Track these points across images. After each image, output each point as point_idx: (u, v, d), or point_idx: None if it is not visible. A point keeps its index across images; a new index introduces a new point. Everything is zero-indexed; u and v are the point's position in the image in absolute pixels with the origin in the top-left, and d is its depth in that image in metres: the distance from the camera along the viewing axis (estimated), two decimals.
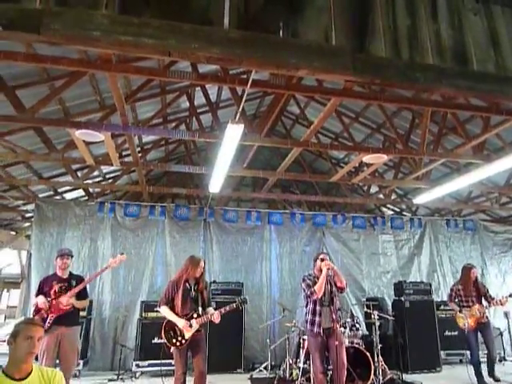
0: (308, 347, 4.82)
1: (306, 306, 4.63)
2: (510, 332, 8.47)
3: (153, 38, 1.81)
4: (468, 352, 6.22)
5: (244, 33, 1.94)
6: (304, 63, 1.98)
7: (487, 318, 5.84)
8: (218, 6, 2.01)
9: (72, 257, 4.83)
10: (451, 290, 6.22)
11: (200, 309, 4.28)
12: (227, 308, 4.43)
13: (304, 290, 4.57)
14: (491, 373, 5.83)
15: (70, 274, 4.73)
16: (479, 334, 5.79)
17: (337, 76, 2.14)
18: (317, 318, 4.41)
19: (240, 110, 4.17)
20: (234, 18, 2.00)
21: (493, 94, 2.44)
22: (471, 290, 5.93)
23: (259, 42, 1.95)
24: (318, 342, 4.38)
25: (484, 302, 5.87)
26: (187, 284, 4.30)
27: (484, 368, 5.81)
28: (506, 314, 8.53)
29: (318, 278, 4.48)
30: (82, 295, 4.65)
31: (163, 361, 6.21)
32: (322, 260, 4.50)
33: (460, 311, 5.87)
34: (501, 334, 8.00)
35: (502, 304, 5.80)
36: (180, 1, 1.96)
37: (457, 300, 6.02)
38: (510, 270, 7.18)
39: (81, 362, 6.42)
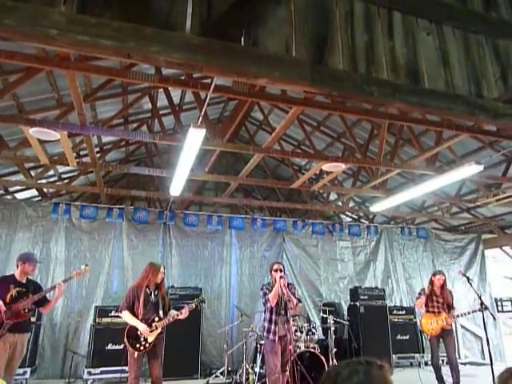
0: (264, 350, 4.93)
1: (265, 313, 4.76)
2: (456, 335, 8.89)
3: (112, 39, 1.77)
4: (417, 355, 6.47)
5: (205, 39, 1.95)
6: (264, 72, 2.01)
7: (451, 325, 5.73)
8: (181, 10, 2.00)
9: (38, 263, 4.76)
10: (419, 293, 6.04)
11: (161, 312, 4.41)
12: (187, 308, 4.56)
13: (262, 298, 4.74)
14: None
15: (27, 278, 4.52)
16: (441, 339, 5.71)
17: (296, 86, 2.19)
18: (272, 326, 4.56)
19: (202, 114, 4.18)
20: (195, 24, 2.00)
21: (442, 110, 2.57)
22: (437, 296, 5.84)
23: (220, 49, 1.96)
24: (273, 346, 4.49)
25: (453, 311, 5.75)
26: (148, 290, 4.40)
27: (446, 373, 5.67)
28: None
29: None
30: (43, 302, 4.50)
31: (116, 367, 6.09)
32: (276, 270, 4.69)
33: (427, 316, 5.79)
34: None
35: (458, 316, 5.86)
36: (142, 3, 1.94)
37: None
38: (459, 276, 7.54)
39: (28, 369, 6.11)
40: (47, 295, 4.54)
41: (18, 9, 1.73)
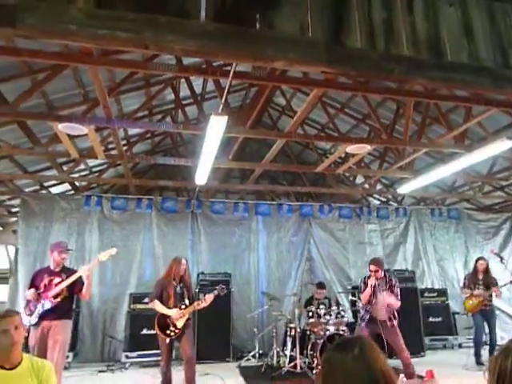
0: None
1: None
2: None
3: (129, 31, 1.81)
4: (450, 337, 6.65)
5: (220, 25, 1.96)
6: (280, 55, 2.01)
7: (490, 305, 6.37)
8: None
9: (69, 251, 4.85)
10: (464, 278, 6.92)
11: (187, 301, 4.69)
12: (211, 295, 4.81)
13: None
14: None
15: (63, 267, 4.61)
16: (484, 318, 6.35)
17: (312, 67, 2.18)
18: None
19: (223, 101, 4.20)
20: (210, 11, 2.01)
21: (467, 84, 2.50)
22: (479, 279, 6.49)
23: (235, 34, 1.97)
24: None
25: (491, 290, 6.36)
26: (173, 282, 4.70)
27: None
28: None
29: None
30: (78, 288, 4.48)
31: (152, 351, 6.33)
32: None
33: (470, 295, 6.46)
34: None
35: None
36: None
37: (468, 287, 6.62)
38: (492, 256, 7.34)
39: (70, 354, 6.43)
40: (83, 280, 4.46)
41: (39, 7, 1.79)
